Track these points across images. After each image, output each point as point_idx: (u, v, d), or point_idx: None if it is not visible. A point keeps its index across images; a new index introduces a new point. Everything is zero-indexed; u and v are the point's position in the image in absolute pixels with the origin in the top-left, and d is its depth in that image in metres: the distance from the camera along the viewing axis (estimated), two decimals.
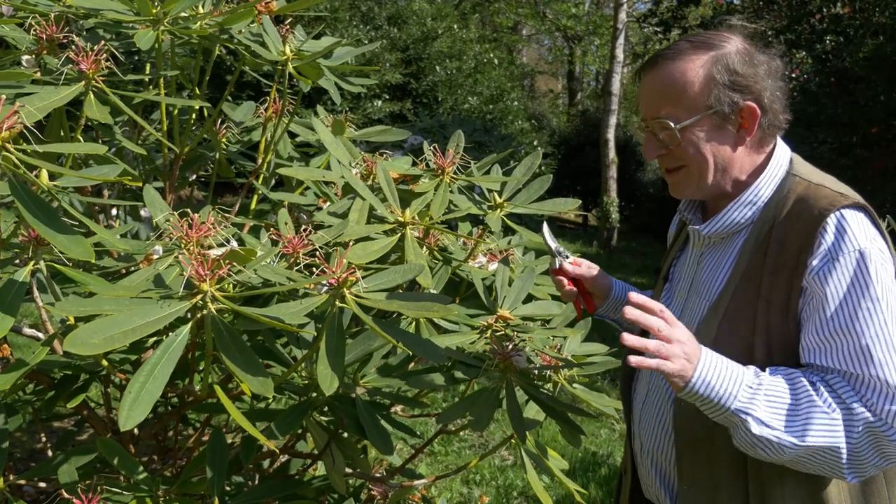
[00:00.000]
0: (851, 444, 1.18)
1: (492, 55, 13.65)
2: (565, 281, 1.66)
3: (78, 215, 1.23)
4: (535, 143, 12.13)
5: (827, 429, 1.18)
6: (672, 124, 1.34)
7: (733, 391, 1.19)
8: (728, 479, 1.32)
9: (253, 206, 2.47)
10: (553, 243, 1.71)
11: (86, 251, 1.15)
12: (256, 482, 2.33)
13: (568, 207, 2.08)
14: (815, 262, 1.24)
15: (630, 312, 1.18)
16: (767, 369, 1.26)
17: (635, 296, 1.20)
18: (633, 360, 1.16)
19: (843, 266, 1.22)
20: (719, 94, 1.33)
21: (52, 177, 1.41)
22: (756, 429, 1.19)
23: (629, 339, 1.16)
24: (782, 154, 1.41)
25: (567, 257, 1.69)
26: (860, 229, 1.24)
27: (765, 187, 1.37)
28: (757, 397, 1.20)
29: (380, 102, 10.39)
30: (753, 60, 1.35)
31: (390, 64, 10.86)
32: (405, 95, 11.16)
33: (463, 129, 2.28)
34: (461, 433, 4.22)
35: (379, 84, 10.48)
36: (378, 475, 2.06)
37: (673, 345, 1.18)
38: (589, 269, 1.68)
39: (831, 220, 1.25)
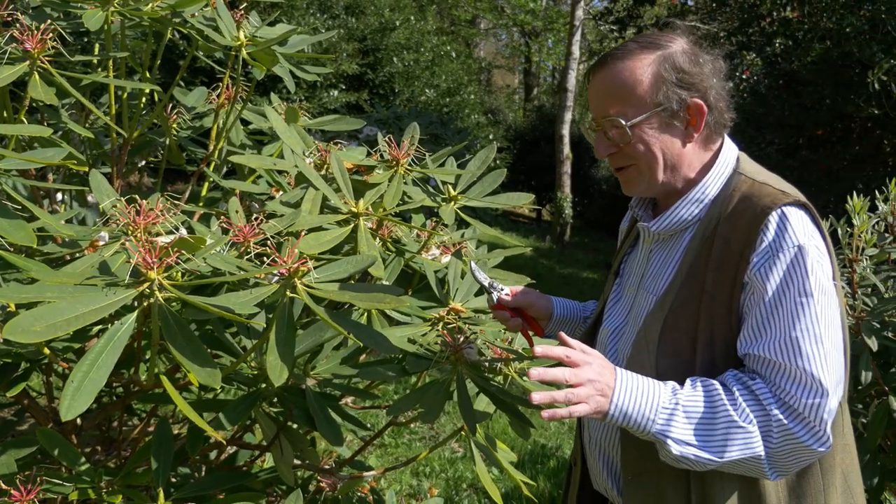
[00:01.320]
0: (770, 450, 1.23)
1: (449, 48, 13.66)
2: (507, 314, 1.68)
3: (21, 199, 1.20)
4: (491, 136, 12.18)
5: (744, 443, 1.23)
6: (622, 122, 1.37)
7: (650, 416, 1.24)
8: (671, 472, 1.35)
9: (204, 193, 2.43)
10: (485, 280, 1.70)
11: (28, 236, 1.12)
12: (203, 474, 2.30)
13: (522, 202, 2.09)
14: (756, 258, 1.27)
15: (535, 375, 1.20)
16: (688, 381, 1.29)
17: (539, 349, 1.23)
18: (545, 414, 1.20)
19: (781, 261, 1.25)
20: (668, 91, 1.36)
21: None
22: (675, 449, 1.24)
23: (536, 397, 1.20)
24: (729, 152, 1.44)
25: (502, 290, 1.68)
26: (800, 226, 1.28)
27: (712, 185, 1.40)
28: (675, 418, 1.24)
29: (336, 92, 10.31)
30: (699, 60, 1.39)
31: (347, 54, 10.78)
32: (362, 86, 11.09)
33: (419, 122, 2.27)
34: (411, 425, 4.23)
35: (335, 74, 10.39)
36: (327, 467, 2.05)
37: (583, 387, 1.22)
38: (524, 295, 1.70)
39: (773, 218, 1.28)
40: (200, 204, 2.32)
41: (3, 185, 1.25)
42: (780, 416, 1.22)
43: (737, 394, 1.25)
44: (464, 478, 3.74)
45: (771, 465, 1.25)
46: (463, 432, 2.07)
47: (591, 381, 1.23)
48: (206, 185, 2.42)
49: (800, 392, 1.21)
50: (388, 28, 11.68)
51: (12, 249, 1.36)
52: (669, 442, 1.24)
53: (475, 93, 13.51)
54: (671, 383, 1.29)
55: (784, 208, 1.29)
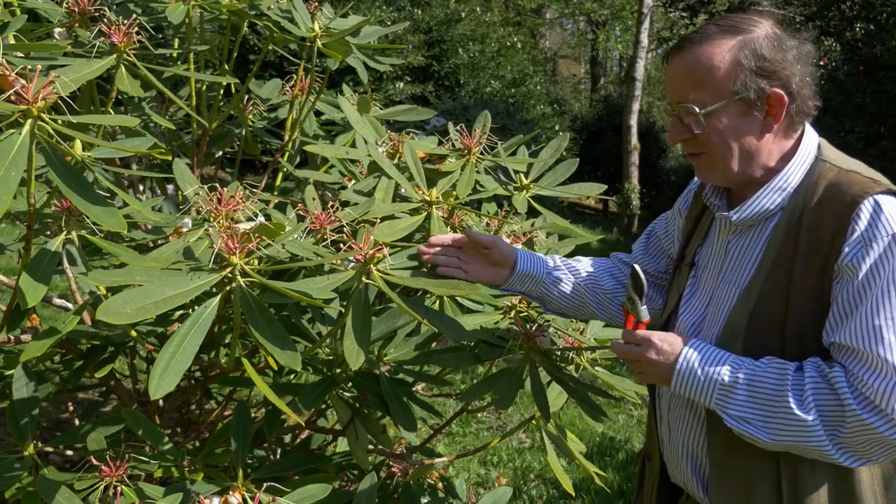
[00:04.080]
0: (841, 439, 1.21)
1: (515, 39, 13.56)
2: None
3: (112, 186, 1.24)
4: (557, 127, 12.06)
5: (797, 431, 1.22)
6: (697, 109, 1.33)
7: (708, 393, 1.29)
8: (761, 465, 1.32)
9: (277, 183, 2.49)
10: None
11: (118, 222, 1.17)
12: (277, 456, 2.36)
13: (593, 192, 2.07)
14: (847, 248, 1.23)
15: (616, 350, 1.41)
16: (760, 361, 1.29)
17: (628, 335, 1.39)
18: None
19: (874, 251, 1.21)
20: (746, 79, 1.31)
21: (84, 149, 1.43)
22: (730, 423, 1.27)
23: (616, 347, 1.40)
24: (810, 140, 1.39)
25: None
26: (894, 215, 1.23)
27: (794, 173, 1.36)
28: (732, 395, 1.27)
29: (402, 84, 10.36)
30: (782, 45, 1.33)
31: (413, 46, 10.82)
32: (427, 78, 11.12)
33: (484, 112, 2.27)
34: (479, 414, 4.24)
35: (401, 66, 10.45)
36: (398, 452, 2.07)
37: (643, 364, 1.37)
38: (490, 238, 1.61)
39: (865, 207, 1.23)
40: (275, 193, 2.38)
41: (94, 172, 1.30)
42: (854, 406, 1.18)
43: (806, 380, 1.22)
44: (531, 468, 3.73)
45: (846, 453, 1.22)
46: (534, 421, 2.07)
47: (651, 363, 1.35)
48: (280, 175, 2.48)
49: (876, 381, 1.17)
50: (454, 19, 11.66)
51: (102, 235, 1.42)
52: (726, 417, 1.27)
53: (541, 83, 13.39)
54: (732, 362, 1.30)
55: (876, 197, 1.24)
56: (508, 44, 13.12)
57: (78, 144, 1.32)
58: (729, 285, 1.39)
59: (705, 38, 1.34)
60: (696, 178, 1.61)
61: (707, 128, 1.33)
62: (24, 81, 1.17)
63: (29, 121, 1.17)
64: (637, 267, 1.42)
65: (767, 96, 1.32)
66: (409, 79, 10.79)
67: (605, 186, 2.10)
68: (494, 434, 4.11)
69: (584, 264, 1.74)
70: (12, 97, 1.17)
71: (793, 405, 1.22)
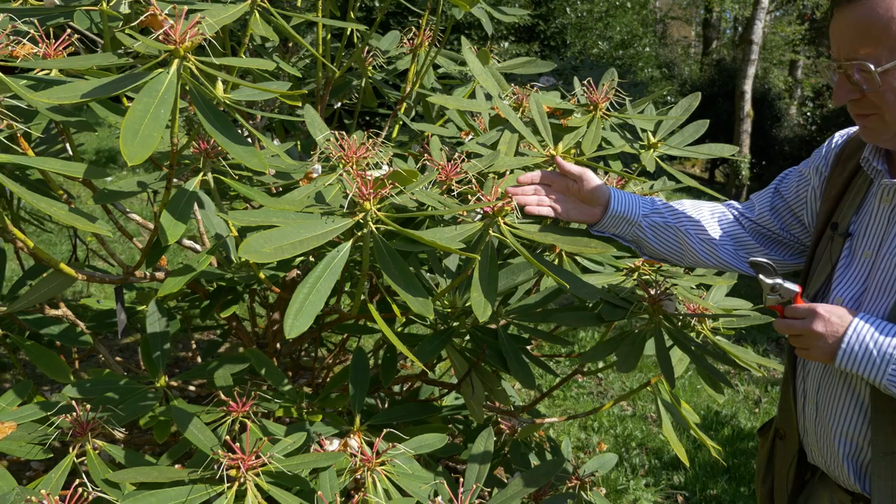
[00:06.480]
0: None
1: None
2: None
3: (250, 128, 1.26)
4: (665, 92, 11.65)
5: None
6: (872, 67, 1.21)
7: (881, 369, 1.20)
8: None
9: (394, 135, 2.49)
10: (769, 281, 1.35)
11: (260, 162, 1.18)
12: (385, 405, 2.40)
13: (725, 153, 1.97)
14: None
15: (779, 327, 1.31)
16: None
17: (790, 310, 1.29)
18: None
19: None
20: None
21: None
22: None
23: (778, 324, 1.30)
24: None
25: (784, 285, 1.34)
26: None
27: None
28: None
29: (507, 44, 10.22)
30: None
31: (519, 4, 10.63)
32: (532, 38, 10.91)
33: (593, 74, 2.19)
34: (579, 378, 4.20)
35: (506, 25, 10.29)
36: (507, 409, 2.07)
37: (807, 339, 1.27)
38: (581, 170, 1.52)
39: None
40: (392, 145, 2.38)
41: (235, 115, 1.32)
42: None
43: None
44: (633, 436, 3.67)
45: None
46: (648, 388, 2.02)
47: (818, 336, 1.25)
48: (397, 127, 2.47)
49: None
50: None
51: (237, 178, 1.44)
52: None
53: (650, 45, 12.94)
54: None
55: None
56: (617, 3, 12.69)
57: (219, 86, 1.35)
58: (893, 258, 1.28)
59: None
60: (836, 136, 1.49)
61: (882, 87, 1.22)
62: (172, 22, 1.19)
63: (176, 60, 1.19)
64: (760, 259, 1.34)
65: None
66: (513, 38, 10.62)
67: (738, 148, 2.00)
68: (595, 399, 4.06)
69: (687, 207, 1.61)
70: (160, 38, 1.19)
71: None
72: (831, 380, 1.36)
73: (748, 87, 11.88)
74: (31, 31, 1.35)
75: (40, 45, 1.37)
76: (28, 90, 1.24)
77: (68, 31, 1.43)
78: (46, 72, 1.39)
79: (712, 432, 3.80)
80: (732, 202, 1.66)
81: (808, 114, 13.80)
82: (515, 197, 1.51)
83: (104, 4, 1.40)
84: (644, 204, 1.57)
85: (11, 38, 1.30)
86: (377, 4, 7.66)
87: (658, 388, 1.97)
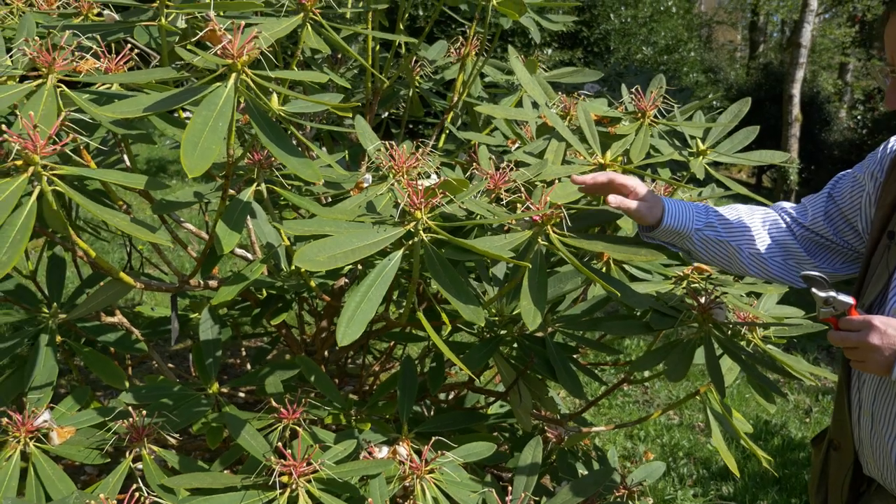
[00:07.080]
0: None
1: (669, 3, 12.98)
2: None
3: (302, 139, 1.28)
4: (711, 96, 11.51)
5: None
6: None
7: None
8: None
9: (441, 144, 2.50)
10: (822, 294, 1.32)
11: (314, 173, 1.20)
12: (431, 413, 2.41)
13: (776, 160, 1.94)
14: None
15: (833, 339, 1.28)
16: None
17: (845, 322, 1.26)
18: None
19: None
20: None
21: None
22: None
23: (833, 336, 1.27)
24: None
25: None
26: None
27: None
28: None
29: (550, 51, 10.19)
30: None
31: (562, 11, 10.60)
32: (576, 44, 10.87)
33: (639, 81, 2.17)
34: (625, 387, 4.16)
35: (550, 32, 10.27)
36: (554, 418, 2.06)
37: (863, 351, 1.24)
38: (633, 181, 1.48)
39: None
40: (439, 154, 2.40)
41: (289, 126, 1.35)
42: None
43: None
44: (680, 446, 3.63)
45: None
46: (697, 397, 2.00)
47: (874, 349, 1.21)
48: (444, 136, 2.49)
49: None
50: None
51: (290, 188, 1.47)
52: None
53: (695, 50, 12.79)
54: None
55: None
56: (662, 8, 12.57)
57: (274, 98, 1.38)
58: None
59: None
60: (891, 141, 1.45)
61: None
62: (230, 37, 1.22)
63: (233, 74, 1.23)
64: (813, 273, 1.30)
65: None
66: (556, 45, 10.59)
67: (789, 155, 1.97)
68: (641, 408, 4.02)
69: (742, 214, 1.57)
70: (218, 52, 1.23)
71: None
72: (888, 391, 1.32)
73: (796, 90, 11.65)
74: (94, 46, 1.40)
75: (102, 59, 1.42)
76: (91, 104, 1.28)
77: (128, 46, 1.48)
78: (108, 86, 1.44)
79: (761, 442, 3.73)
80: (784, 205, 1.62)
81: (859, 117, 13.49)
82: (604, 191, 1.47)
83: (163, 20, 1.44)
84: (698, 217, 1.53)
85: (76, 53, 1.35)
86: (420, 14, 7.72)
87: (707, 398, 1.94)
